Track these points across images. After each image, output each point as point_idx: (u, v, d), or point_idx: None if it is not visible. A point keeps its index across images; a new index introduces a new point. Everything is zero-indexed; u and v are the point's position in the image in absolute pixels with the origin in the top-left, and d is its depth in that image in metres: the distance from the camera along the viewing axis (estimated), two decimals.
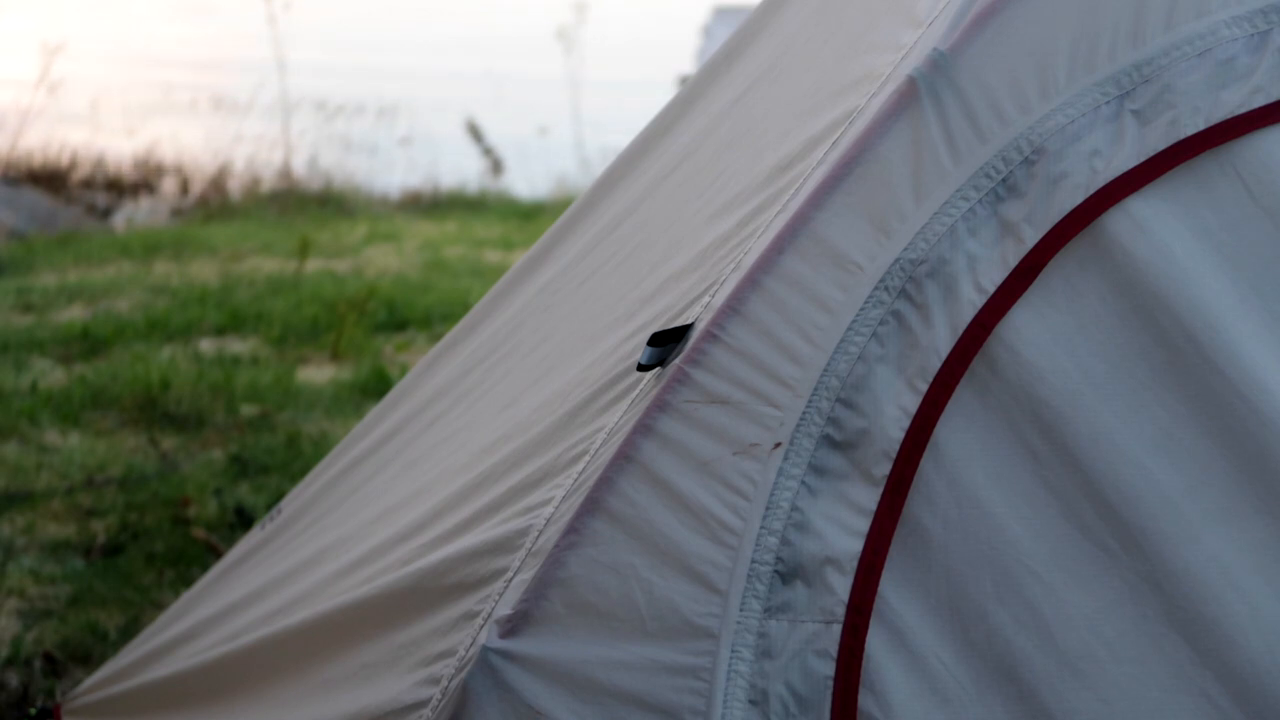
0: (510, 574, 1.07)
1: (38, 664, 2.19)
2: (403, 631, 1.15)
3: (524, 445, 1.21)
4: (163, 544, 2.68)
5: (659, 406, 1.02)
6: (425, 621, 1.13)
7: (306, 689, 1.22)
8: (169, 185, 7.73)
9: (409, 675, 1.11)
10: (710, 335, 1.03)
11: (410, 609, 1.16)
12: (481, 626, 1.06)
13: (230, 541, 2.52)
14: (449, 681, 1.06)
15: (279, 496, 2.30)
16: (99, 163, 7.73)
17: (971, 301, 1.02)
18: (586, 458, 1.09)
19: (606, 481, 1.02)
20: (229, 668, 1.38)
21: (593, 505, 1.02)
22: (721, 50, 1.60)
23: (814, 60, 1.37)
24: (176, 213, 7.17)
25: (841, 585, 1.00)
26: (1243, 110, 1.04)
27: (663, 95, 1.81)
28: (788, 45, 1.47)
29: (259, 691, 1.29)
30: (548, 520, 1.08)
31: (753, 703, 0.99)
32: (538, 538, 1.08)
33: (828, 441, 1.02)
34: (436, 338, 3.68)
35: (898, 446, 1.01)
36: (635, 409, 1.06)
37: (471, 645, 1.05)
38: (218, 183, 7.66)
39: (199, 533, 2.74)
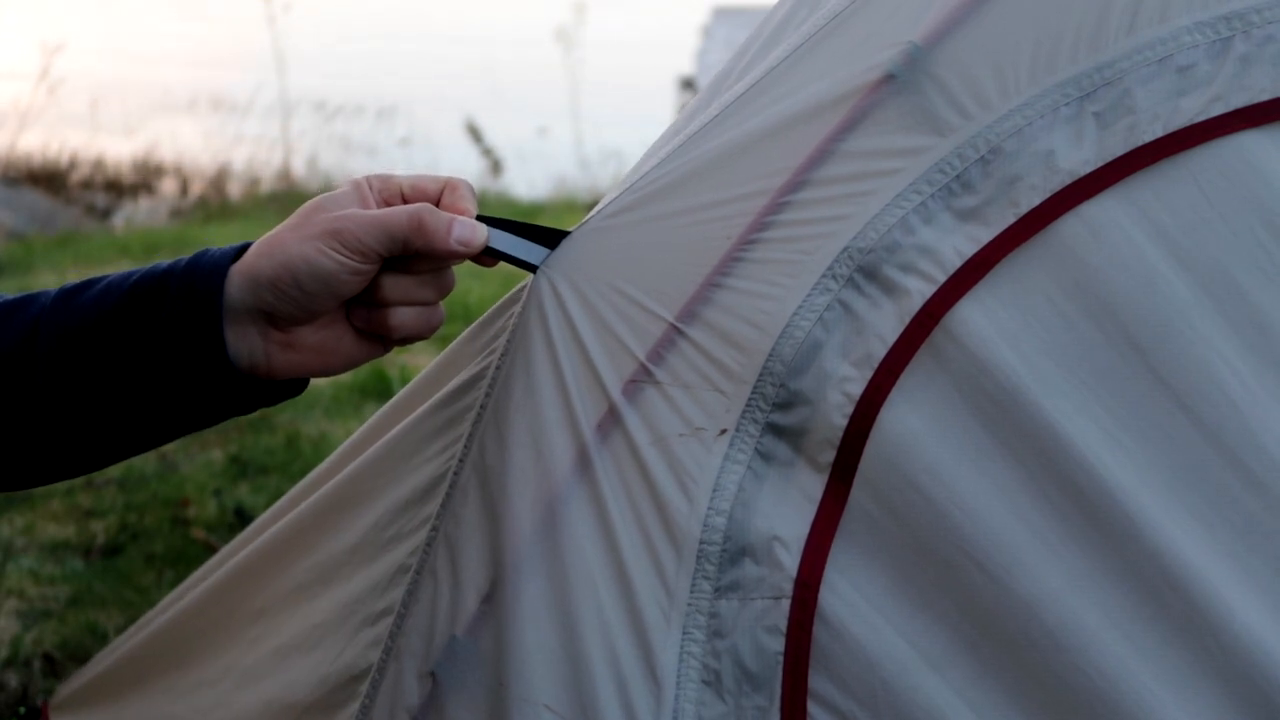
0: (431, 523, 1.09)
1: (37, 664, 2.19)
2: (344, 588, 1.15)
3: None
4: (162, 544, 2.68)
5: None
6: (365, 576, 1.14)
7: (264, 656, 1.22)
8: (168, 185, 7.74)
9: (357, 636, 1.11)
10: (673, 328, 1.04)
11: (355, 564, 1.16)
12: (416, 580, 1.07)
13: (230, 542, 2.52)
14: (390, 642, 1.08)
15: (278, 497, 2.30)
16: (98, 163, 7.74)
17: (920, 291, 1.02)
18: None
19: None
20: (182, 629, 1.37)
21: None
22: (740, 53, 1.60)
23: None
24: (176, 213, 7.17)
25: (790, 562, 1.01)
26: (1201, 118, 1.04)
27: (662, 96, 1.81)
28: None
29: (215, 655, 1.28)
30: (461, 459, 1.09)
31: (706, 683, 1.00)
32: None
33: (772, 428, 1.02)
34: (438, 339, 3.68)
35: (841, 433, 1.01)
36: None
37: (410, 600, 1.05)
38: (217, 183, 7.67)
39: (198, 533, 2.74)
